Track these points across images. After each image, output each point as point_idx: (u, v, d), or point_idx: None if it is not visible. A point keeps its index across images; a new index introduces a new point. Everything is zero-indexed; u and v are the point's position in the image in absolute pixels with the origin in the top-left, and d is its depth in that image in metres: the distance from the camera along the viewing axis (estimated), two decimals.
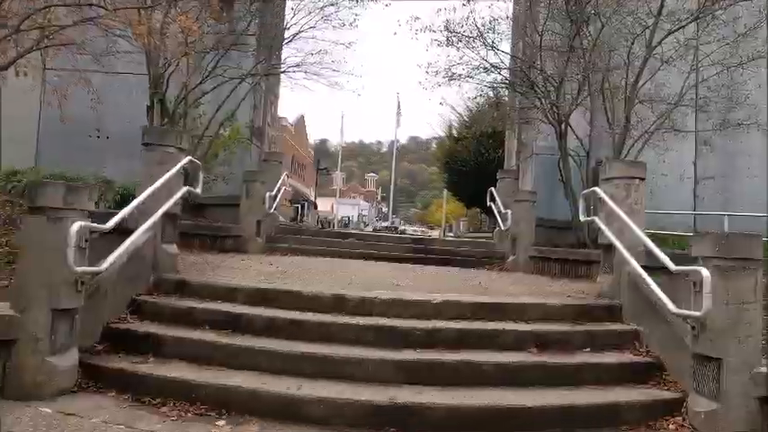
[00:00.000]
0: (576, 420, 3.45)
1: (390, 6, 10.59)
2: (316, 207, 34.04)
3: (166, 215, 5.13)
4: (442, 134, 30.81)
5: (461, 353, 3.91)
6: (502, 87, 11.39)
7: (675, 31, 8.05)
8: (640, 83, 8.36)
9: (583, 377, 3.92)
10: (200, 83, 9.13)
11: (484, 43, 9.28)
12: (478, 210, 30.37)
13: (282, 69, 10.97)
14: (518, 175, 11.38)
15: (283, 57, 11.14)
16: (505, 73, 10.17)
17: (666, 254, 4.25)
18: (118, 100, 10.58)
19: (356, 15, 10.23)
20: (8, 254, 4.75)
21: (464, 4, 9.11)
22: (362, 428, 3.23)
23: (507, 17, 9.79)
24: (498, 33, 9.51)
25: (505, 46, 10.24)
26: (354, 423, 3.24)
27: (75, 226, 3.39)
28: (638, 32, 8.02)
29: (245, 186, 8.77)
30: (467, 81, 9.76)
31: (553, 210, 9.90)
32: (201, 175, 5.84)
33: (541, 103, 9.08)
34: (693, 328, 3.60)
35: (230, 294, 4.60)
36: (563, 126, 8.93)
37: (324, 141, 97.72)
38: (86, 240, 3.64)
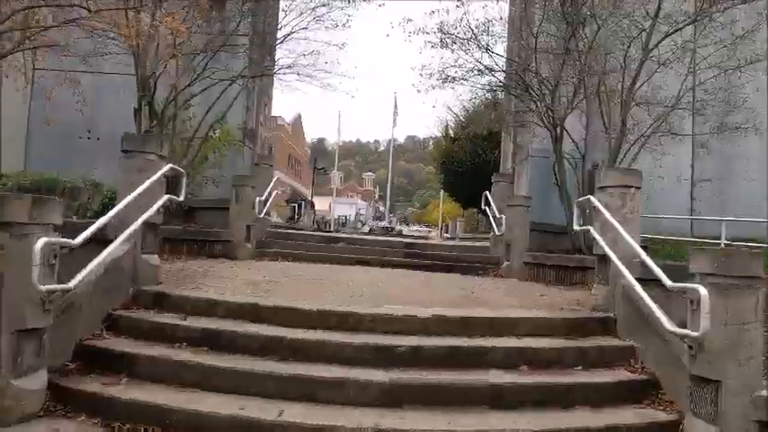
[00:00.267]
0: None
1: (384, 6, 10.40)
2: (312, 206, 33.79)
3: (147, 224, 4.96)
4: (439, 134, 30.67)
5: (449, 372, 3.75)
6: (497, 90, 11.21)
7: (673, 33, 7.90)
8: (637, 86, 8.20)
9: (576, 397, 3.75)
10: (189, 84, 8.94)
11: (478, 45, 9.10)
12: (475, 210, 30.23)
13: (274, 71, 10.77)
14: (513, 178, 11.22)
15: (276, 58, 10.97)
16: (500, 75, 10.00)
17: (661, 265, 4.10)
18: (109, 101, 10.44)
19: (349, 16, 10.05)
20: None
21: (458, 6, 8.94)
22: None
23: (501, 18, 9.61)
24: (493, 35, 9.32)
25: (500, 48, 10.07)
26: None
27: (40, 243, 3.22)
28: (634, 35, 7.85)
29: (234, 191, 8.60)
30: (461, 84, 9.58)
31: (548, 214, 9.73)
32: (185, 182, 5.65)
33: (537, 107, 8.92)
34: (691, 347, 3.44)
35: (211, 309, 4.43)
36: (558, 130, 8.78)
37: (321, 140, 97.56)
38: (56, 256, 3.46)
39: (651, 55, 8.07)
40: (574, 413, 3.59)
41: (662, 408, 3.77)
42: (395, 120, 36.22)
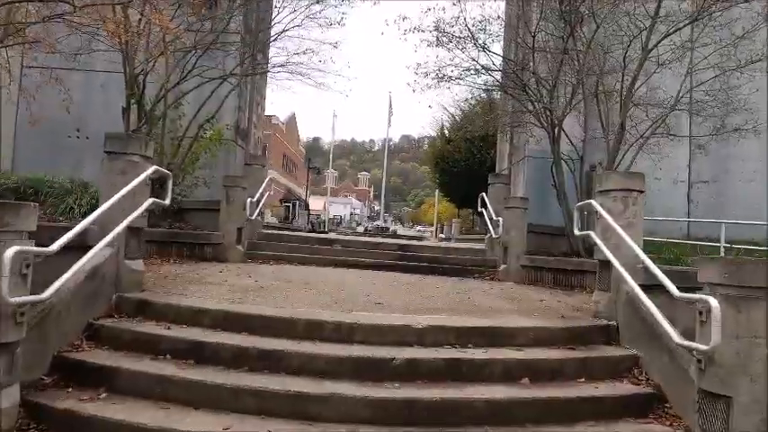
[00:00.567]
0: None
1: (378, 5, 10.22)
2: (307, 207, 33.54)
3: (130, 229, 4.76)
4: (434, 134, 30.52)
5: (447, 388, 3.56)
6: (493, 90, 11.04)
7: (673, 32, 7.74)
8: (636, 86, 8.05)
9: (580, 412, 3.58)
10: (179, 83, 8.71)
11: (475, 44, 8.93)
12: (470, 211, 30.12)
13: (266, 69, 10.55)
14: (509, 179, 11.05)
15: (270, 56, 10.74)
16: (497, 75, 9.83)
17: (665, 271, 3.94)
18: (99, 100, 10.24)
19: (343, 14, 9.94)
20: None
21: (454, 4, 8.75)
22: None
23: (499, 17, 9.43)
24: (490, 34, 9.15)
25: (497, 48, 9.91)
26: None
27: (10, 252, 3.00)
28: (635, 34, 7.69)
29: (225, 192, 8.39)
30: (457, 83, 9.39)
31: (545, 215, 9.57)
32: (171, 185, 5.44)
33: (535, 107, 8.76)
34: (700, 361, 3.28)
35: (196, 317, 4.22)
36: (556, 130, 8.62)
37: (316, 139, 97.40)
38: (28, 266, 3.25)
39: (650, 55, 7.92)
40: (578, 429, 3.42)
41: (668, 423, 3.61)
42: (390, 120, 36.01)
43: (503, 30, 9.98)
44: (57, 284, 3.46)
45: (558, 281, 7.81)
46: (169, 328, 4.08)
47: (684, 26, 7.76)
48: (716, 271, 3.26)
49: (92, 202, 8.20)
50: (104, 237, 4.26)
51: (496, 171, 13.03)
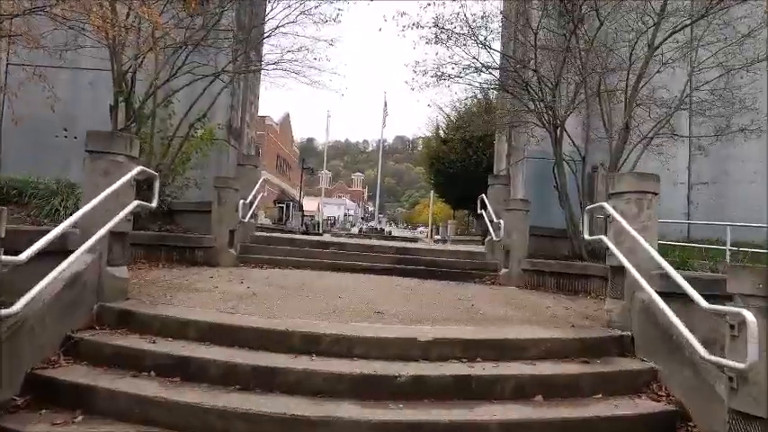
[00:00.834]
0: None
1: (375, 1, 9.91)
2: (301, 208, 33.20)
3: (113, 233, 4.45)
4: (429, 135, 30.28)
5: (455, 408, 3.29)
6: (494, 88, 10.78)
7: (680, 29, 7.51)
8: (641, 85, 7.81)
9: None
10: (169, 80, 8.38)
11: (475, 41, 8.65)
12: (466, 212, 29.92)
13: (260, 67, 10.24)
14: (509, 180, 10.79)
15: (263, 53, 10.43)
16: (497, 73, 9.57)
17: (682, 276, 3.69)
18: (87, 98, 9.91)
19: (339, 10, 9.60)
20: None
21: None
22: None
23: (501, 12, 9.16)
24: (491, 31, 8.89)
25: (497, 45, 9.64)
26: None
27: None
28: (642, 30, 7.45)
29: (216, 193, 8.07)
30: (457, 81, 9.13)
31: (545, 216, 9.30)
32: (158, 186, 5.12)
33: (536, 106, 8.51)
34: (731, 379, 3.02)
35: (183, 329, 3.91)
36: (558, 131, 8.37)
37: (310, 140, 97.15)
38: None
39: (655, 54, 7.69)
40: None
41: None
42: (384, 120, 35.74)
43: (502, 27, 9.74)
44: (29, 295, 3.16)
45: (561, 285, 7.56)
46: (154, 342, 3.78)
47: (693, 23, 7.53)
48: (749, 281, 3.01)
49: (78, 204, 7.86)
50: (85, 242, 3.97)
51: (494, 172, 12.78)
